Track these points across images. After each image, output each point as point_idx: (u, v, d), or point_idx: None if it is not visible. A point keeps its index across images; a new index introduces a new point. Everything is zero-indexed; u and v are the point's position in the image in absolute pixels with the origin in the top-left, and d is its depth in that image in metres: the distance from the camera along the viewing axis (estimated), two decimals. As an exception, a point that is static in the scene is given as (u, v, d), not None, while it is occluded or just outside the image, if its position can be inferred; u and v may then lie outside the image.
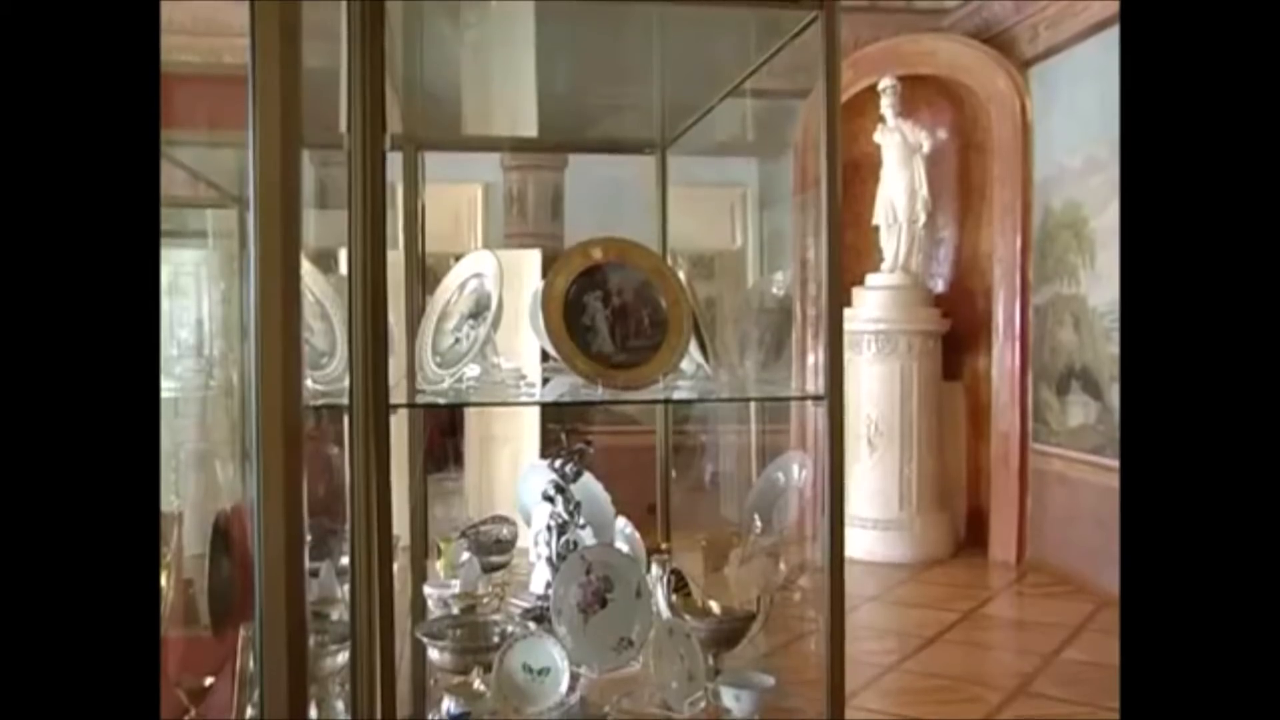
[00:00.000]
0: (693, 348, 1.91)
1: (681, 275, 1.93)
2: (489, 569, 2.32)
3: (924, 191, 6.67)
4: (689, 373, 2.01)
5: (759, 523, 2.27)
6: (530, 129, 2.96)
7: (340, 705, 1.90)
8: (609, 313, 1.82)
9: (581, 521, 2.15)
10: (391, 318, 1.62)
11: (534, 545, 2.22)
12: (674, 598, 2.08)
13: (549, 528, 2.14)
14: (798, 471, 2.31)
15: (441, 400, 2.03)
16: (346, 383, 1.55)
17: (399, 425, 1.62)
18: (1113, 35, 5.45)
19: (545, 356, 1.98)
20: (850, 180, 6.58)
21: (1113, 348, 5.61)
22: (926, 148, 6.67)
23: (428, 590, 2.30)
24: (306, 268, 1.29)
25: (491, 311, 1.97)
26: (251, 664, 1.76)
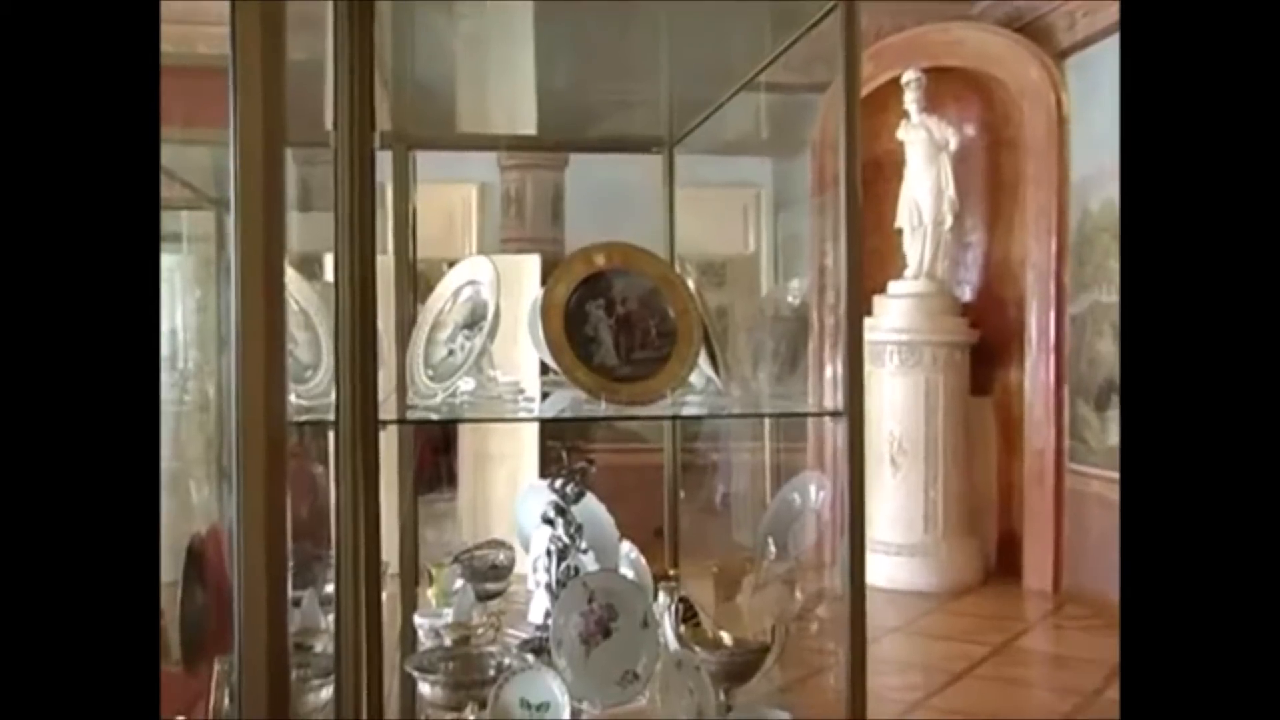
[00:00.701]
0: (702, 360, 1.92)
1: (690, 282, 1.93)
2: (484, 597, 2.32)
3: (951, 192, 6.66)
4: (698, 387, 2.01)
5: (773, 547, 2.27)
6: (529, 126, 2.97)
7: (324, 744, 1.90)
8: (613, 322, 1.83)
9: (583, 546, 2.15)
10: (381, 328, 1.63)
11: (532, 571, 2.23)
12: (683, 628, 2.08)
13: (548, 552, 2.14)
14: (815, 493, 2.31)
15: (434, 416, 2.04)
16: (333, 397, 1.56)
17: (388, 443, 1.62)
18: (1154, 24, 5.44)
19: (545, 369, 1.98)
20: (871, 180, 6.58)
21: (1155, 360, 5.59)
22: (954, 145, 6.68)
23: (418, 620, 2.30)
24: (290, 274, 1.30)
25: (488, 321, 1.97)
26: (227, 701, 1.76)
